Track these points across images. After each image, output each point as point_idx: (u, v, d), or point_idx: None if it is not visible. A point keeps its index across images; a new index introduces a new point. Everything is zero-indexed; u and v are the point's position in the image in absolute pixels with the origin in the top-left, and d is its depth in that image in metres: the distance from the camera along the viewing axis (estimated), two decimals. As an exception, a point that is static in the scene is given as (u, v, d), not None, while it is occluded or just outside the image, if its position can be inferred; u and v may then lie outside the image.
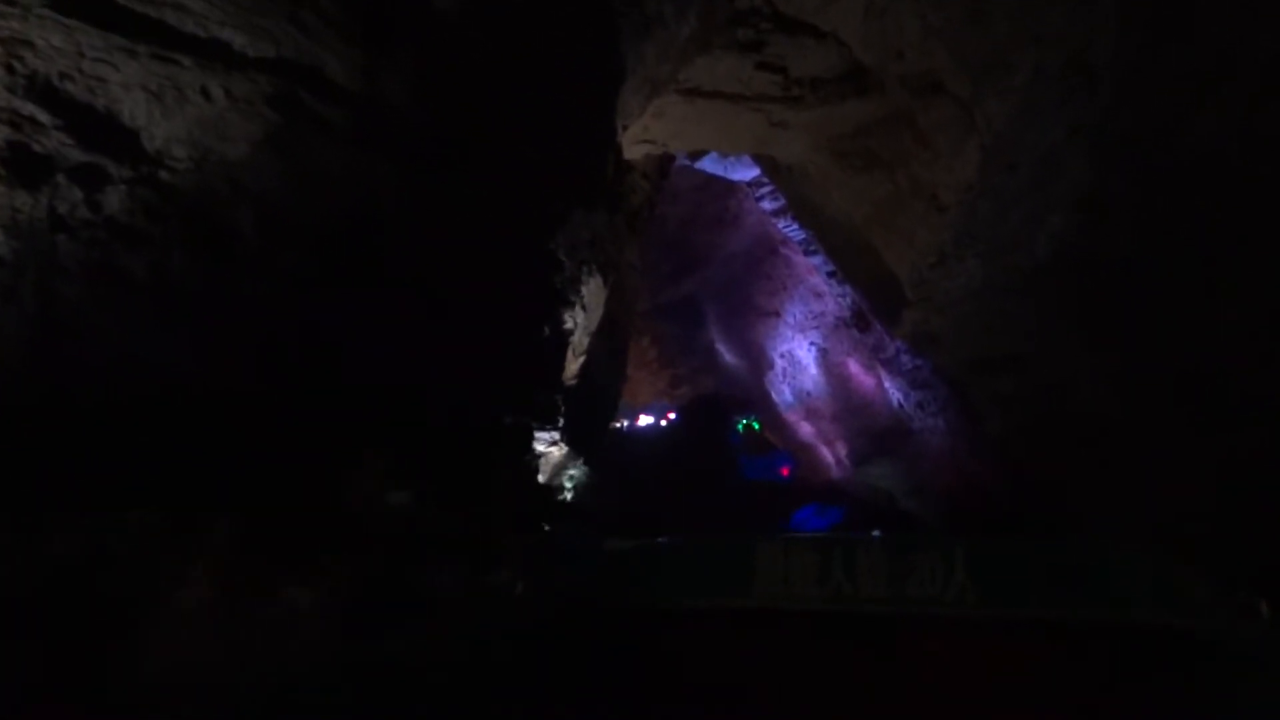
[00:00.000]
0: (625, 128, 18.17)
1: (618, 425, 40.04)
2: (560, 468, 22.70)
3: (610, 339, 26.30)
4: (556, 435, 19.16)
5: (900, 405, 31.64)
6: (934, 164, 19.49)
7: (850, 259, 26.34)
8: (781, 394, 41.25)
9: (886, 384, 32.12)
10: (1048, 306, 19.42)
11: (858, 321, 31.51)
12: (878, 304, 26.06)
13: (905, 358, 28.39)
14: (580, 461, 23.90)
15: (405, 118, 10.41)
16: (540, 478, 20.20)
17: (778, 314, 39.78)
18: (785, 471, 37.67)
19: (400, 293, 10.96)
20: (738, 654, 8.65)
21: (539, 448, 18.87)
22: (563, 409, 19.09)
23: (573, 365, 21.49)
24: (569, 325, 18.85)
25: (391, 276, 10.70)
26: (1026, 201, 18.09)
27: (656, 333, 46.73)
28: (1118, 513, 19.36)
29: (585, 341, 21.51)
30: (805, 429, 40.94)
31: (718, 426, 36.96)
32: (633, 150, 23.50)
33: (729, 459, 36.01)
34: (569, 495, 24.29)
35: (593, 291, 20.05)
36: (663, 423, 40.07)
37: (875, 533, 27.58)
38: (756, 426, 39.44)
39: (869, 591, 8.55)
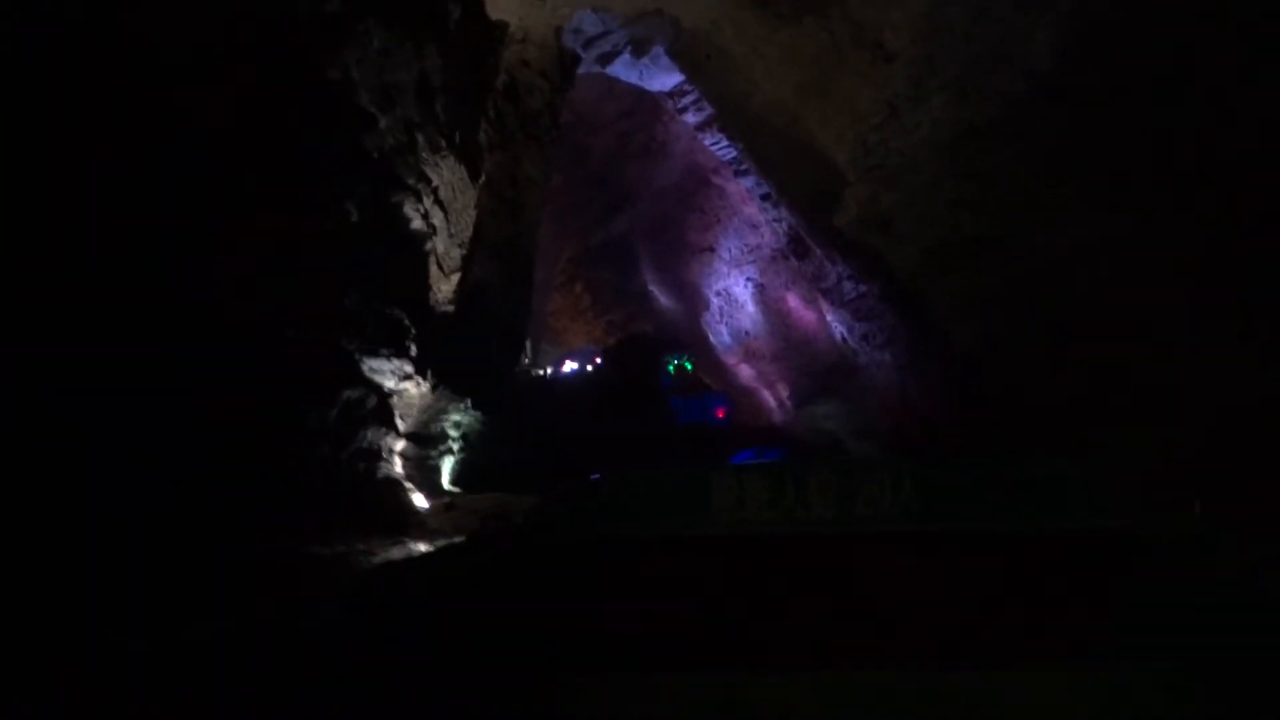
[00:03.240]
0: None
1: (541, 373, 35.19)
2: (436, 411, 17.58)
3: (508, 263, 21.20)
4: (409, 367, 14.07)
5: (844, 339, 27.97)
6: None
7: (783, 163, 21.65)
8: (719, 335, 36.92)
9: (829, 317, 28.69)
10: (1035, 157, 14.42)
11: (795, 249, 27.37)
12: (817, 211, 21.21)
13: (848, 284, 24.54)
14: (466, 405, 18.78)
15: None
16: (398, 420, 15.12)
17: (712, 250, 35.67)
18: (721, 413, 33.10)
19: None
20: (696, 578, 8.13)
21: (385, 382, 13.76)
22: (415, 333, 14.02)
23: (443, 284, 16.41)
24: (417, 224, 13.72)
25: None
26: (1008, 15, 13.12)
27: (589, 279, 42.56)
28: (1099, 446, 14.61)
29: (457, 254, 16.41)
30: (745, 371, 36.82)
31: (646, 368, 32.17)
32: (511, 10, 18.20)
33: (659, 402, 31.26)
34: (455, 445, 19.19)
35: (454, 183, 14.92)
36: (589, 368, 35.29)
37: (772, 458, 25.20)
38: (689, 366, 34.79)
39: (820, 513, 8.41)
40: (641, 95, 31.94)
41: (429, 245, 14.75)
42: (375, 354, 12.84)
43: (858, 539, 8.27)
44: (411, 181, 12.98)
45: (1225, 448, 12.19)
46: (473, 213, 16.47)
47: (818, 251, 25.09)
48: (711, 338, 37.60)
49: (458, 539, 13.15)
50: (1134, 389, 14.05)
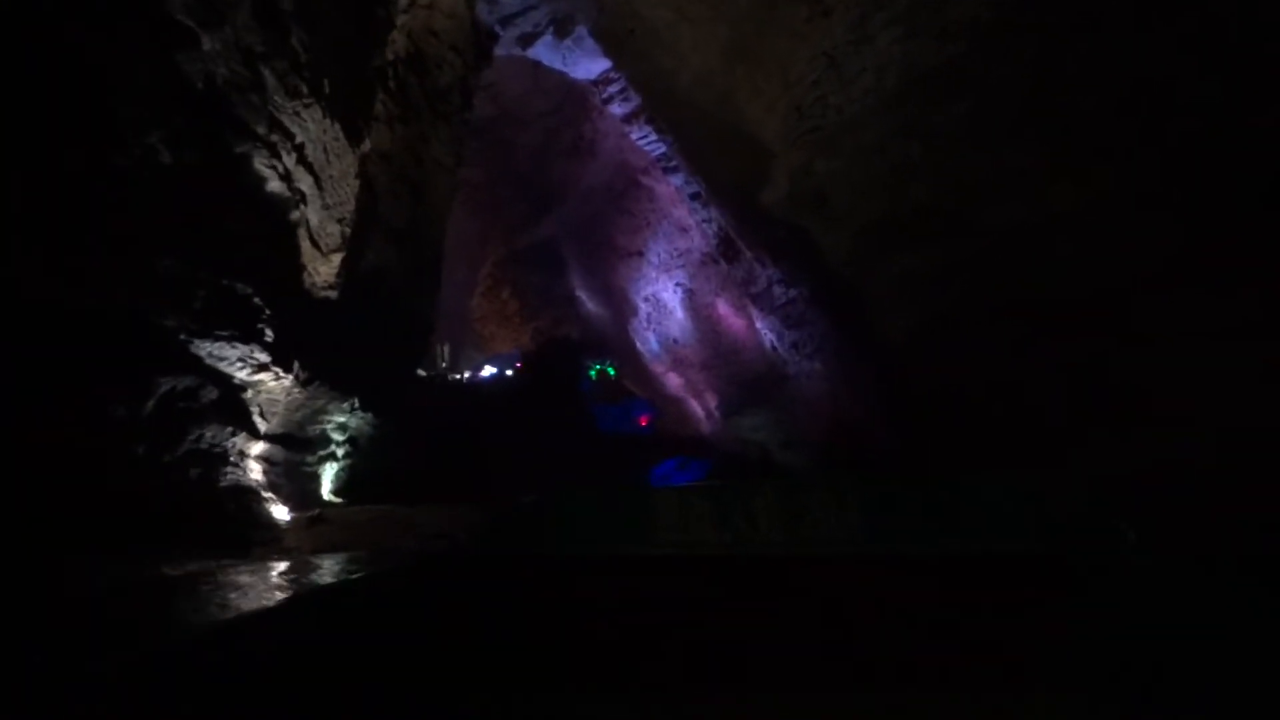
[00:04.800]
0: None
1: (459, 377, 32.69)
2: (313, 411, 14.93)
3: (411, 250, 18.64)
4: (263, 355, 11.48)
5: (774, 347, 26.16)
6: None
7: (713, 153, 19.57)
8: (647, 342, 34.74)
9: (759, 324, 26.99)
10: (996, 111, 12.27)
11: (725, 251, 25.57)
12: (746, 204, 19.07)
13: (778, 289, 22.82)
14: (354, 405, 16.14)
15: None
16: (258, 419, 12.49)
17: (641, 254, 33.55)
18: (644, 421, 31.10)
19: None
20: (638, 599, 7.73)
21: (232, 372, 11.17)
22: (270, 315, 11.44)
23: (320, 265, 13.83)
24: (275, 185, 11.17)
25: None
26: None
27: (516, 283, 40.37)
28: (1044, 451, 12.65)
29: (336, 231, 13.86)
30: (673, 380, 34.67)
31: (568, 373, 29.87)
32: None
33: (579, 408, 28.96)
34: (340, 450, 16.52)
35: (325, 144, 12.39)
36: (509, 372, 32.91)
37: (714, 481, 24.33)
38: (611, 372, 32.71)
39: (766, 534, 8.24)
40: (569, 90, 30.04)
41: (295, 215, 12.18)
42: (210, 336, 10.21)
43: (802, 560, 8.04)
44: (261, 130, 10.41)
45: (1208, 457, 10.25)
46: (354, 183, 13.93)
47: (748, 254, 23.35)
48: (639, 345, 35.41)
49: (323, 559, 10.65)
50: (1097, 388, 12.06)
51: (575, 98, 30.66)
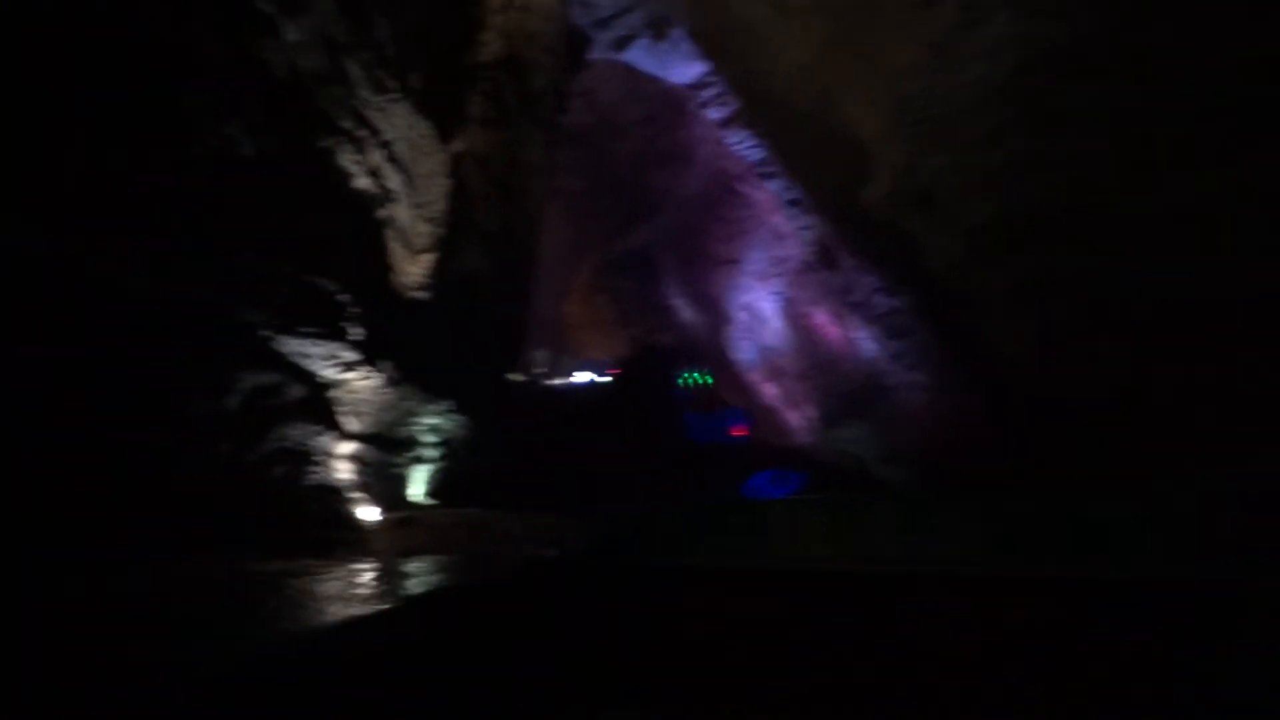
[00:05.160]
0: None
1: (553, 382, 32.52)
2: (403, 412, 14.72)
3: (504, 254, 18.40)
4: (350, 354, 11.27)
5: (874, 358, 24.97)
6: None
7: (811, 157, 18.91)
8: (742, 351, 34.00)
9: (858, 334, 26.06)
10: (1127, 93, 10.98)
11: (824, 259, 24.80)
12: (846, 209, 18.18)
13: (879, 298, 21.80)
14: (446, 408, 15.91)
15: None
16: (347, 418, 12.31)
17: (737, 262, 32.87)
18: (738, 431, 30.13)
19: None
20: (745, 612, 7.39)
21: (319, 370, 10.98)
22: (359, 313, 11.23)
23: (409, 265, 13.65)
24: (362, 181, 10.99)
25: None
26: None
27: (611, 290, 40.16)
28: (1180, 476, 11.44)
29: (426, 231, 13.66)
30: (769, 390, 33.80)
31: (660, 380, 29.23)
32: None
33: (672, 417, 28.31)
34: (431, 452, 16.31)
35: (413, 140, 12.16)
36: (602, 378, 32.52)
37: (827, 495, 23.08)
38: (707, 380, 31.83)
39: (880, 550, 7.83)
40: (666, 98, 29.59)
41: (383, 213, 12.00)
42: (293, 333, 10.02)
43: (917, 578, 7.46)
44: (346, 124, 10.22)
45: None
46: (444, 183, 13.70)
47: (847, 262, 22.50)
48: (735, 354, 34.65)
49: (411, 562, 10.37)
50: (1235, 405, 10.84)
51: (672, 104, 30.20)
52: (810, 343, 30.40)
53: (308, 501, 11.02)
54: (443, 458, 16.74)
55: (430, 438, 16.28)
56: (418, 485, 15.99)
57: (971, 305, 15.28)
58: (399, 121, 11.44)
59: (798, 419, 32.89)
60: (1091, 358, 12.77)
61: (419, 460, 16.05)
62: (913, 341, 21.32)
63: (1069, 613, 6.89)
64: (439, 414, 15.95)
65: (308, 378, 10.96)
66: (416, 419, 15.44)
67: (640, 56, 22.93)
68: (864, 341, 25.05)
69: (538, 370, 35.18)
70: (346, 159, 10.45)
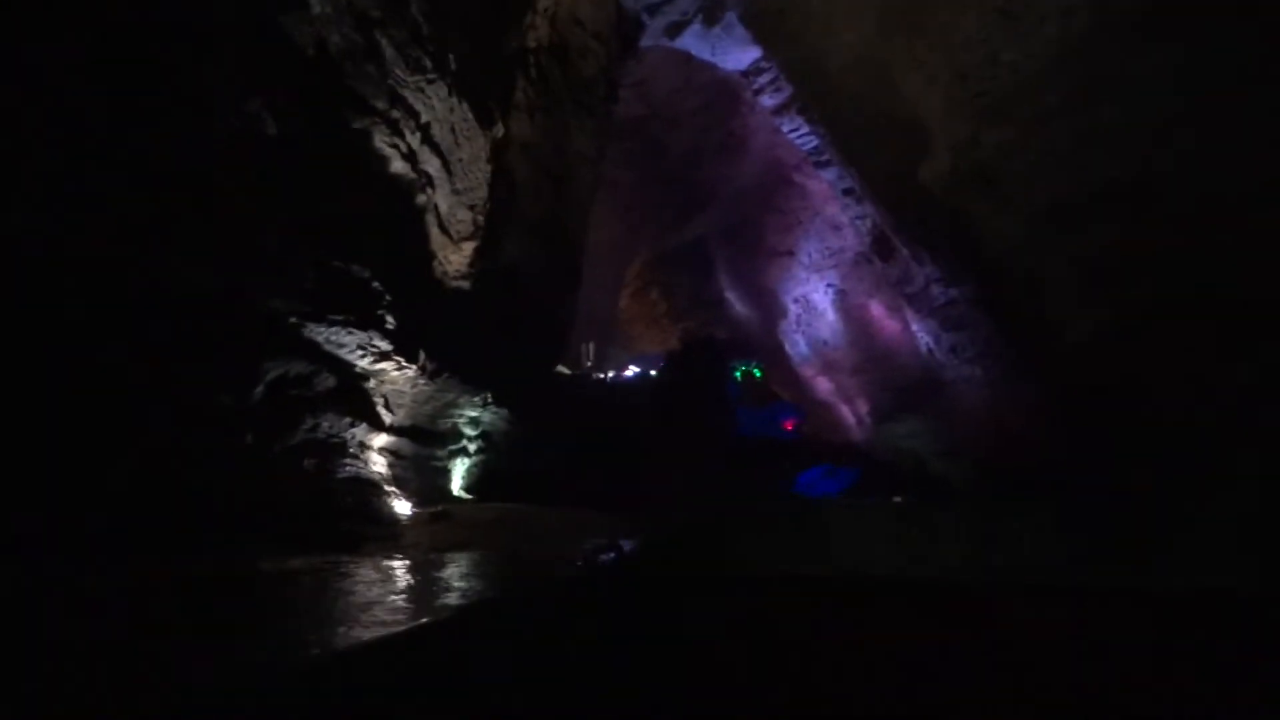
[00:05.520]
0: None
1: (603, 376, 32.00)
2: (443, 404, 14.32)
3: (550, 245, 17.94)
4: (384, 343, 10.85)
5: (930, 351, 24.37)
6: None
7: (866, 141, 18.14)
8: (796, 345, 33.21)
9: (914, 327, 25.37)
10: (1212, 57, 9.87)
11: (879, 249, 24.04)
12: (902, 191, 17.36)
13: (937, 288, 21.05)
14: (486, 400, 15.49)
15: None
16: (382, 410, 11.93)
17: (791, 254, 32.18)
18: (790, 425, 29.40)
19: None
20: (812, 620, 6.87)
21: (353, 360, 10.59)
22: (392, 300, 10.81)
23: (451, 253, 13.20)
24: (398, 166, 10.57)
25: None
26: None
27: (664, 284, 39.70)
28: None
29: (468, 219, 13.20)
30: (822, 385, 33.03)
31: (711, 374, 28.55)
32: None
33: (723, 411, 27.61)
34: (472, 445, 15.91)
35: (453, 124, 11.70)
36: (652, 372, 31.94)
37: (897, 499, 22.42)
38: (757, 374, 31.14)
39: (949, 559, 7.52)
40: (720, 87, 28.98)
41: (422, 199, 11.56)
42: (323, 320, 9.62)
43: (993, 590, 7.10)
44: (381, 105, 9.77)
45: None
46: (485, 168, 13.23)
47: (903, 251, 21.65)
48: (788, 347, 33.88)
49: (447, 565, 9.93)
50: None
51: (726, 94, 29.55)
52: (865, 336, 29.68)
53: (340, 495, 10.61)
54: (485, 451, 16.33)
55: (471, 430, 15.87)
56: (459, 479, 15.60)
57: (1035, 293, 14.33)
58: (437, 104, 10.97)
59: (851, 414, 32.15)
60: (1165, 348, 11.78)
61: (462, 453, 15.66)
62: (971, 334, 20.61)
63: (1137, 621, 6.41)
64: (480, 407, 15.53)
65: (342, 367, 10.57)
66: (457, 411, 15.03)
67: (693, 42, 22.30)
68: (920, 334, 24.47)
69: (588, 364, 34.77)
70: (382, 141, 10.02)
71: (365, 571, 8.49)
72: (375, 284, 10.42)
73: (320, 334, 9.79)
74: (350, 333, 10.20)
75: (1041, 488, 18.10)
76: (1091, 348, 13.56)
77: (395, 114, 10.12)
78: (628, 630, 7.45)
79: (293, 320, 9.25)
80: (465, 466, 15.80)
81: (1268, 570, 7.04)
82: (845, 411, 32.50)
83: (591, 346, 35.01)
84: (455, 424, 15.24)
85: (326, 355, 10.17)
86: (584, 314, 39.88)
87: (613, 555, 10.54)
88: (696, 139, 32.39)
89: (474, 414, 15.53)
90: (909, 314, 24.71)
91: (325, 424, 10.43)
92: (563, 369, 27.33)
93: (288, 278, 8.86)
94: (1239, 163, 10.07)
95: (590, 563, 9.89)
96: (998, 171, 13.24)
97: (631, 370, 33.55)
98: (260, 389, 9.15)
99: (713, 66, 24.69)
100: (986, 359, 20.40)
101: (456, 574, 8.60)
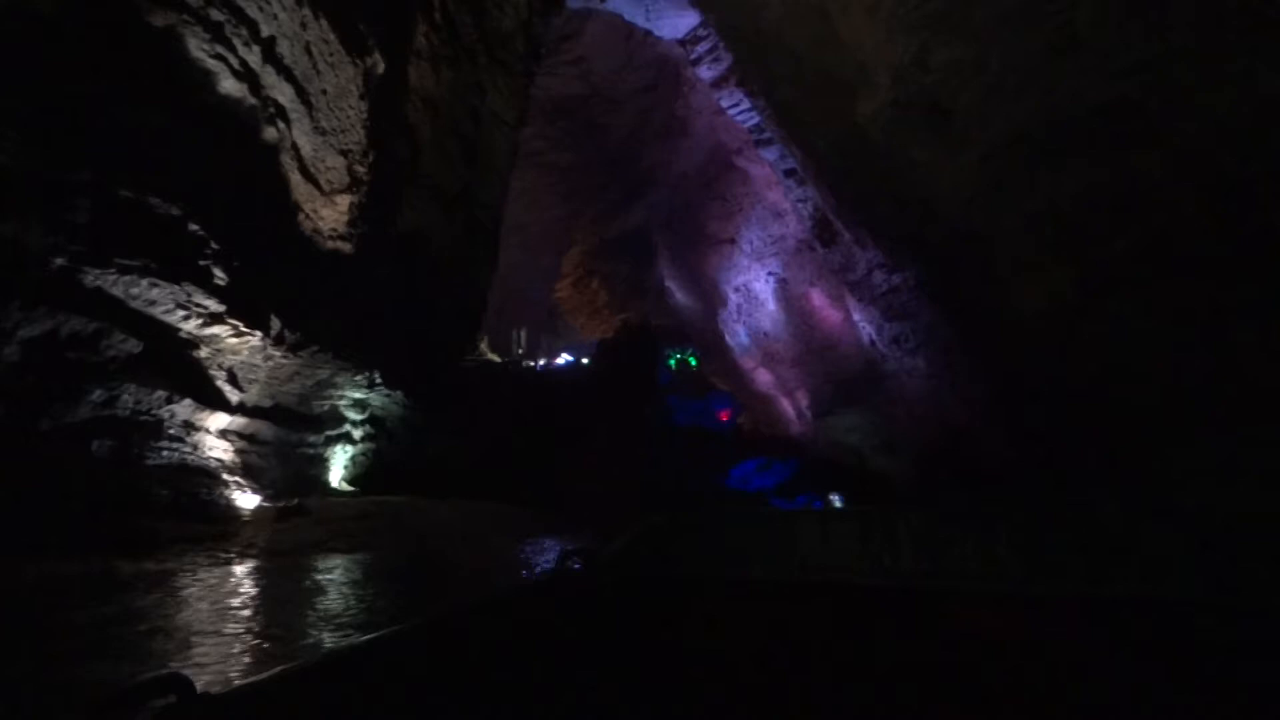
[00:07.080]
0: None
1: (532, 363, 29.91)
2: (316, 384, 12.07)
3: (463, 215, 15.80)
4: (212, 302, 8.63)
5: (872, 342, 22.76)
6: None
7: (806, 103, 16.35)
8: (736, 336, 31.38)
9: (856, 316, 23.73)
10: None
11: (822, 234, 22.44)
12: (844, 170, 15.54)
13: (879, 275, 19.44)
14: (373, 381, 13.23)
15: None
16: (224, 385, 9.68)
17: (733, 241, 30.37)
18: (725, 416, 27.53)
19: None
20: (771, 626, 4.63)
21: (177, 323, 8.37)
22: (219, 249, 8.60)
23: (321, 207, 10.97)
24: (228, 85, 8.36)
25: None
26: None
27: (606, 273, 37.77)
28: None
29: (341, 166, 11.00)
30: (763, 377, 31.23)
31: (644, 362, 26.55)
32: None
33: (656, 400, 25.65)
34: (358, 432, 13.67)
35: (312, 46, 9.49)
36: (584, 360, 29.96)
37: (834, 496, 22.29)
38: (692, 362, 29.26)
39: (908, 565, 5.21)
40: (662, 66, 26.99)
41: (273, 133, 9.36)
42: (109, 265, 7.38)
43: (950, 596, 5.05)
44: (197, 4, 7.54)
45: None
46: (361, 107, 11.02)
47: (846, 235, 20.07)
48: (728, 338, 32.00)
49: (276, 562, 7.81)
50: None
51: (668, 74, 27.68)
52: (806, 326, 27.92)
53: (151, 485, 8.39)
54: (372, 439, 14.09)
55: (356, 415, 13.63)
56: (339, 469, 13.35)
57: (987, 256, 12.15)
58: (283, 16, 8.78)
59: (792, 408, 30.40)
60: (1137, 317, 9.77)
61: (342, 440, 13.41)
62: (914, 324, 19.11)
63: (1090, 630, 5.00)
64: (364, 388, 13.28)
65: (155, 329, 8.36)
66: (336, 392, 12.77)
67: (624, 5, 20.19)
68: (862, 324, 22.88)
69: (519, 351, 32.67)
70: (198, 48, 7.79)
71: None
72: (193, 226, 8.20)
73: (109, 283, 7.55)
74: (156, 285, 7.97)
75: (985, 484, 16.69)
76: (1046, 321, 11.62)
77: (216, 15, 7.91)
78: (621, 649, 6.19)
79: (60, 262, 7.00)
80: (349, 455, 13.55)
81: (1223, 575, 5.48)
82: (786, 405, 30.72)
83: (524, 333, 32.93)
84: (335, 406, 12.98)
85: (127, 312, 7.94)
86: (518, 300, 37.83)
87: (577, 565, 8.67)
88: (638, 121, 30.47)
89: (358, 396, 13.27)
90: (851, 303, 23.13)
91: (126, 398, 8.20)
92: (491, 355, 25.31)
93: (44, 201, 6.62)
94: (1240, 82, 8.03)
95: (555, 572, 8.06)
96: (951, 101, 11.11)
97: (564, 358, 31.49)
98: (12, 349, 6.91)
99: (654, 43, 22.70)
100: (930, 349, 18.94)
101: (243, 599, 6.42)
